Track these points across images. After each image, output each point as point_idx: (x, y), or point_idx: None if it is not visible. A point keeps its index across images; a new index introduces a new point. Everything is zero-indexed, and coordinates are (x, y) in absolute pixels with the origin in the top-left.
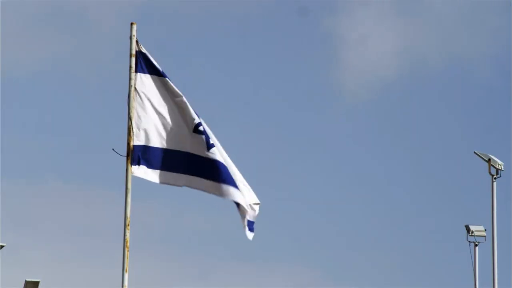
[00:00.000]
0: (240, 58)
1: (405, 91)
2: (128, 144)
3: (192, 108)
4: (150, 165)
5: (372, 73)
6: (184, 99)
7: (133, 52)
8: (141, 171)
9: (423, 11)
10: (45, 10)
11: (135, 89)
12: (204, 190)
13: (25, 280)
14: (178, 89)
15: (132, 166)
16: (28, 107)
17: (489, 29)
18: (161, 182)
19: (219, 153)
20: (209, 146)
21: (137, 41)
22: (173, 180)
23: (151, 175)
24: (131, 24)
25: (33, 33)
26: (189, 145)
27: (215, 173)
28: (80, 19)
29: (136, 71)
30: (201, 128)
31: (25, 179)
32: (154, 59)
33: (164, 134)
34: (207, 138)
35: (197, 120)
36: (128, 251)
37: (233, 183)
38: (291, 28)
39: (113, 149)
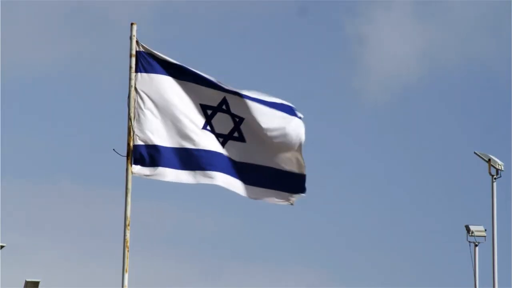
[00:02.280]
0: (257, 59)
1: (424, 94)
2: (128, 144)
3: (204, 106)
4: (152, 164)
5: (391, 76)
6: (191, 96)
7: (133, 52)
8: (142, 171)
9: (444, 14)
10: (45, 11)
11: (135, 89)
12: (218, 184)
13: (25, 280)
14: (188, 86)
15: (133, 166)
16: (28, 107)
17: (508, 31)
18: (165, 179)
19: (237, 150)
20: (222, 144)
21: (137, 41)
22: (176, 177)
23: (154, 173)
24: (131, 24)
25: (34, 34)
26: (199, 141)
27: (233, 171)
28: (80, 20)
29: (136, 71)
30: (208, 128)
31: (25, 179)
32: (158, 57)
33: (167, 132)
34: (217, 137)
35: (202, 120)
36: (128, 251)
37: (250, 182)
38: (311, 30)
39: (113, 149)
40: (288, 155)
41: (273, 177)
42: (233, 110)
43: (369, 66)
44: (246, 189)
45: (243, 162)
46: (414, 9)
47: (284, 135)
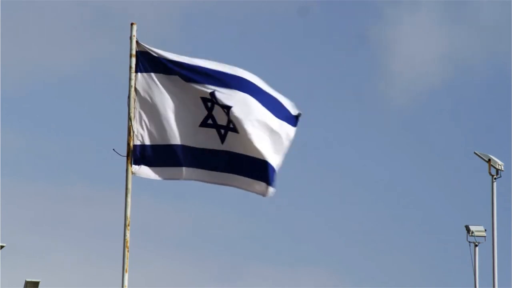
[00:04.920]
0: (272, 62)
1: (446, 97)
2: (128, 144)
3: (205, 99)
4: (152, 164)
5: (415, 80)
6: (193, 93)
7: (133, 52)
8: (142, 171)
9: (469, 17)
10: (44, 11)
11: (135, 89)
12: (211, 182)
13: (25, 280)
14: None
15: (133, 166)
16: (27, 107)
17: None
18: (165, 178)
19: (237, 141)
20: (222, 137)
21: (137, 41)
22: (177, 175)
23: (153, 173)
24: (131, 24)
25: (33, 36)
26: (197, 140)
27: (233, 166)
28: (79, 20)
29: (136, 71)
30: (210, 121)
31: (25, 179)
32: (158, 55)
33: (167, 131)
34: (219, 129)
35: (203, 114)
36: (128, 251)
37: (250, 174)
38: (335, 33)
39: (113, 149)
40: (267, 144)
41: (256, 167)
42: (219, 101)
43: (393, 69)
44: (237, 180)
45: (239, 153)
46: (439, 12)
47: (270, 133)
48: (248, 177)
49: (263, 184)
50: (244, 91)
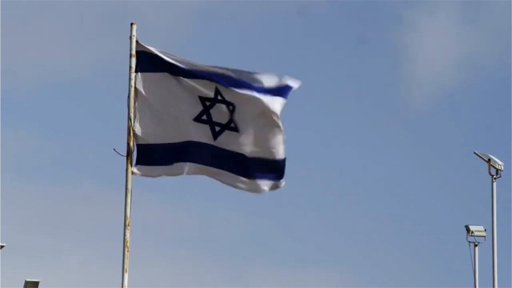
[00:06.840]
0: (285, 62)
1: (461, 101)
2: (128, 144)
3: (203, 98)
4: (152, 163)
5: (419, 81)
6: (192, 91)
7: (133, 52)
8: (142, 171)
9: (488, 20)
10: (44, 12)
11: (135, 89)
12: (209, 176)
13: (25, 280)
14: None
15: (133, 166)
16: (27, 107)
17: None
18: (165, 175)
19: (233, 139)
20: (216, 134)
21: (137, 41)
22: (176, 171)
23: (153, 172)
24: (131, 24)
25: (32, 37)
26: (192, 133)
27: (221, 161)
28: (78, 20)
29: (136, 71)
30: (204, 117)
31: (25, 179)
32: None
33: (166, 130)
34: (213, 126)
35: (198, 109)
36: (128, 251)
37: (242, 173)
38: (335, 33)
39: (114, 149)
40: (273, 142)
41: (257, 166)
42: (226, 97)
43: (396, 70)
44: (230, 178)
45: (235, 152)
46: (457, 15)
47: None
48: (235, 174)
49: (250, 181)
50: (246, 88)
